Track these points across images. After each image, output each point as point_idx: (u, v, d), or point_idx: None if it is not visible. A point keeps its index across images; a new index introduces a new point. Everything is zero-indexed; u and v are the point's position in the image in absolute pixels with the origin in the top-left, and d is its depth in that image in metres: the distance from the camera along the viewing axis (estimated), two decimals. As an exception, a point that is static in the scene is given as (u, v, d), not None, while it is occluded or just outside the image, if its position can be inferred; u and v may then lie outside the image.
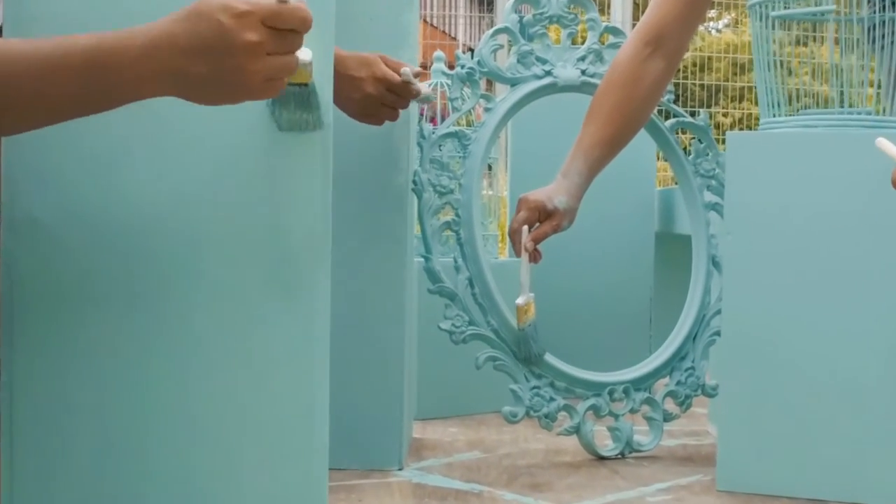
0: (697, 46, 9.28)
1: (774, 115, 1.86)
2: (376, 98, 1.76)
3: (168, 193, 1.19)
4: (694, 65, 8.64)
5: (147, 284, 1.19)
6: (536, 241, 2.00)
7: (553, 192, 2.00)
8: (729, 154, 1.83)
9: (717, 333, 2.14)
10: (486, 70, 2.13)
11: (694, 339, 2.16)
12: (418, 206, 2.04)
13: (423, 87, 1.83)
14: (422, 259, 2.04)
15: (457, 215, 2.06)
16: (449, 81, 2.28)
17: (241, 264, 1.20)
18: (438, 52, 2.58)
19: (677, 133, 2.27)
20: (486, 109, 2.13)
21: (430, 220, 2.05)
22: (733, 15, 11.14)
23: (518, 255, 2.01)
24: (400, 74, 1.77)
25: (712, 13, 10.92)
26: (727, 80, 8.44)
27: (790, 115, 1.86)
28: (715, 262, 2.19)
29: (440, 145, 2.08)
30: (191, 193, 1.20)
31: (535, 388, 2.04)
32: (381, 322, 1.93)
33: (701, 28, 11.04)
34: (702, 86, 8.28)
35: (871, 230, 1.72)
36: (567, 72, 2.17)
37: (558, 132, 2.36)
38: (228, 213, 1.20)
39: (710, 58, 8.87)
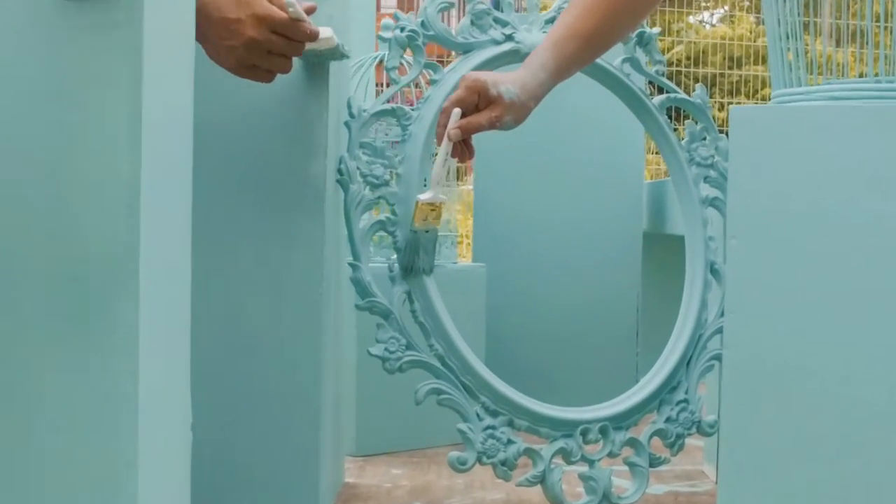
0: (691, 39, 9.09)
1: (792, 85, 1.41)
2: (261, 44, 1.29)
3: None
4: (688, 58, 8.41)
5: None
6: (465, 131, 1.50)
7: (503, 79, 1.52)
8: (733, 135, 1.38)
9: (717, 357, 1.71)
10: (431, 33, 1.69)
11: (688, 364, 1.72)
12: (345, 202, 1.60)
13: (324, 29, 1.37)
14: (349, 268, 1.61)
15: (393, 213, 1.61)
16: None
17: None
18: (387, 21, 2.13)
19: (677, 121, 1.83)
20: (432, 81, 1.69)
21: (360, 218, 1.60)
22: (727, 8, 10.84)
23: (439, 142, 1.53)
24: (286, 7, 1.31)
25: (707, 3, 10.55)
26: (722, 74, 8.09)
27: (813, 84, 1.41)
28: (714, 270, 1.75)
29: (377, 127, 1.65)
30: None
31: (489, 427, 1.60)
32: (293, 347, 1.48)
33: (694, 21, 10.67)
34: (695, 78, 8.00)
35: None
36: (532, 36, 1.73)
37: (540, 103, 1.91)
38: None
39: (704, 51, 8.63)
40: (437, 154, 1.51)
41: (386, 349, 1.57)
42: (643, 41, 1.79)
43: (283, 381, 1.48)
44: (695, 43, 8.77)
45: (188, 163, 0.96)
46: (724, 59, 8.53)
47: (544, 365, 2.16)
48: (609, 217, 2.27)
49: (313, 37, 1.33)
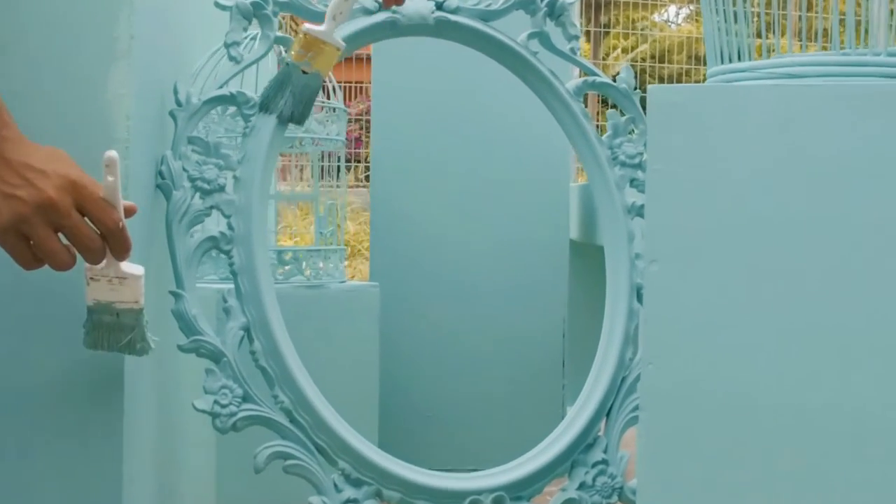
0: (656, 38, 9.00)
1: (731, 60, 1.05)
2: (55, 211, 0.92)
3: None
4: (652, 57, 8.27)
5: None
6: None
7: None
8: (651, 124, 1.01)
9: (645, 406, 1.34)
10: (284, 1, 1.31)
11: (608, 414, 1.35)
12: (167, 213, 1.22)
13: (135, 266, 0.98)
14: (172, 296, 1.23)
15: (229, 226, 1.24)
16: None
17: None
18: None
19: (600, 109, 1.46)
20: (283, 61, 1.32)
21: (186, 234, 1.23)
22: (693, 8, 10.70)
23: None
24: (103, 183, 0.92)
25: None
26: (684, 72, 7.88)
27: (760, 58, 1.05)
28: (640, 296, 1.38)
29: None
30: None
31: (350, 501, 1.23)
32: (90, 398, 1.10)
33: (660, 20, 10.45)
34: (660, 76, 7.81)
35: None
36: (416, 4, 1.36)
37: (445, 95, 1.58)
38: None
39: (668, 49, 8.50)
40: None
41: (216, 402, 1.20)
42: (555, 12, 1.41)
43: (79, 439, 1.10)
44: (657, 41, 8.63)
45: None
46: (689, 58, 8.34)
47: (451, 405, 1.83)
48: (529, 226, 1.94)
49: (116, 229, 0.95)
